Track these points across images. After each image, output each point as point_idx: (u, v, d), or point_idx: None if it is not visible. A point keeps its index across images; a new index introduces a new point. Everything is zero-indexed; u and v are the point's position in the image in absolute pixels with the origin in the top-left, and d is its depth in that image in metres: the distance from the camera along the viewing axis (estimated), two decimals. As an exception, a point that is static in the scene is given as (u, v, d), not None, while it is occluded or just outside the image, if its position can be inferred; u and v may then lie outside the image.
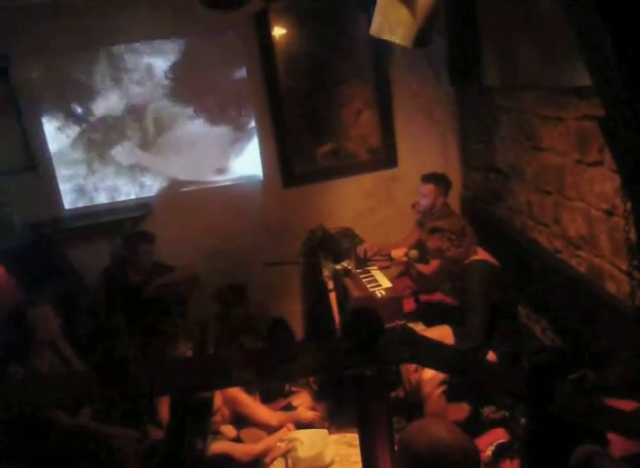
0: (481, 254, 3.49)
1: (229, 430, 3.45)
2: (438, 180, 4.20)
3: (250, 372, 1.10)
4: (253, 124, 4.65)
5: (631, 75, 1.32)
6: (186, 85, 4.53)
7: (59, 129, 4.48)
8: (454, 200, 4.74)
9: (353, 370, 1.07)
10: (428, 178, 4.22)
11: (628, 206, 1.58)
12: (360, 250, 3.99)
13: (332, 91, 4.69)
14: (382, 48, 4.54)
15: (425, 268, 3.90)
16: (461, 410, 3.37)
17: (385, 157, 4.82)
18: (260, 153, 4.67)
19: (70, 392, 1.11)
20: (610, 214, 2.97)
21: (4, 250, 3.92)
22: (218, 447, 3.07)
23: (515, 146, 3.92)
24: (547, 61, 3.15)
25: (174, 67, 4.50)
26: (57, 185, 4.48)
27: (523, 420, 2.50)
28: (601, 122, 1.42)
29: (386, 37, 2.26)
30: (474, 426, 3.26)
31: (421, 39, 2.20)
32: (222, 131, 4.69)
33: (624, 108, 1.30)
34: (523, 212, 3.93)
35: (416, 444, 1.55)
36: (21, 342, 3.08)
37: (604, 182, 2.98)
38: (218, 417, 3.24)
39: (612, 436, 2.02)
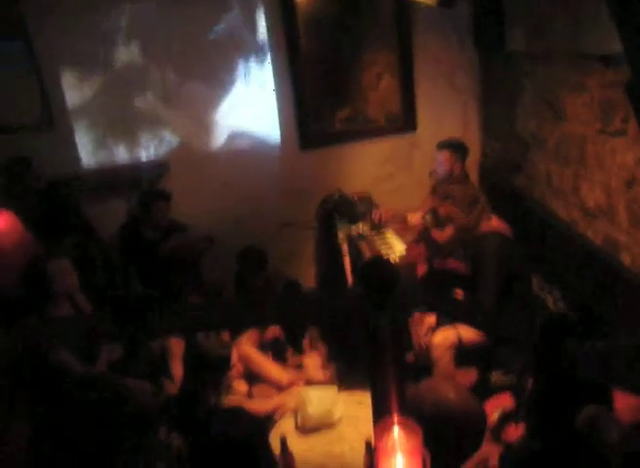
0: (495, 223, 3.47)
1: (241, 385, 3.53)
2: (454, 147, 4.15)
3: (270, 316, 1.13)
4: (272, 85, 4.61)
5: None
6: (205, 44, 4.50)
7: (76, 84, 4.48)
8: (472, 168, 4.71)
9: (367, 317, 1.09)
10: (444, 145, 4.17)
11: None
12: (375, 214, 3.99)
13: (353, 54, 4.62)
14: (406, 12, 4.48)
15: (439, 234, 3.89)
16: (469, 375, 3.40)
17: (405, 122, 4.77)
18: (278, 115, 4.63)
19: (86, 330, 1.14)
20: (630, 185, 2.95)
21: (22, 205, 3.96)
22: (231, 402, 3.14)
23: (537, 115, 3.87)
24: (575, 27, 3.09)
25: (193, 26, 4.45)
26: (75, 142, 4.49)
27: (530, 383, 2.52)
28: (628, 86, 1.40)
29: (412, -4, 2.22)
30: (482, 391, 3.30)
31: (447, -1, 2.17)
32: (241, 91, 4.66)
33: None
34: (542, 181, 3.90)
35: (422, 402, 1.58)
36: (40, 295, 3.14)
37: (625, 153, 2.95)
38: (232, 373, 3.31)
39: (619, 403, 2.04)
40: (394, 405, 1.13)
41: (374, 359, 1.15)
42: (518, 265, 3.44)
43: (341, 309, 1.11)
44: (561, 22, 3.22)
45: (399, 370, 1.14)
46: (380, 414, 1.14)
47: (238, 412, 2.62)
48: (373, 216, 3.94)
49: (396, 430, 1.12)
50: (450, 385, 1.83)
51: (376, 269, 1.09)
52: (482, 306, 1.29)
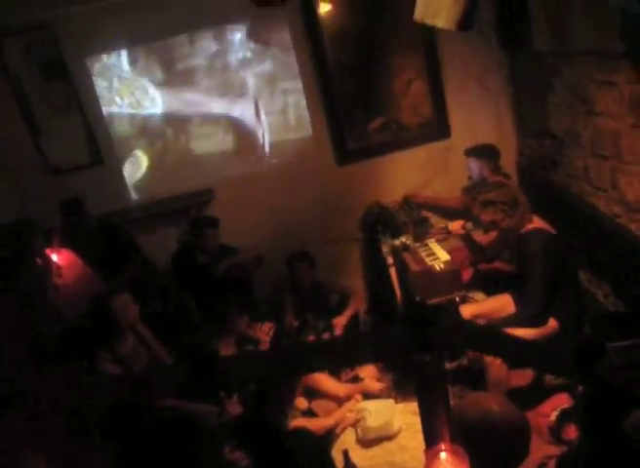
0: (537, 222, 3.50)
1: (301, 402, 3.65)
2: (479, 153, 4.26)
3: (323, 362, 1.23)
4: (304, 102, 4.71)
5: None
6: (237, 68, 4.65)
7: (120, 120, 4.70)
8: (510, 167, 4.74)
9: (413, 356, 1.19)
10: (469, 153, 4.30)
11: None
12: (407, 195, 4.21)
13: (381, 62, 4.67)
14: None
15: (483, 238, 3.95)
16: (524, 377, 3.44)
17: (438, 128, 4.81)
18: (313, 132, 4.75)
19: (165, 383, 1.27)
20: (667, 177, 2.95)
21: (80, 243, 4.17)
22: (297, 423, 3.26)
23: (569, 111, 3.87)
24: (599, 26, 3.11)
25: (224, 51, 4.61)
26: (123, 177, 4.71)
27: (581, 387, 2.56)
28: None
29: (430, 22, 2.30)
30: (538, 392, 3.34)
31: (465, 22, 2.24)
32: (275, 111, 4.79)
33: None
34: (580, 177, 3.90)
35: (467, 416, 1.66)
36: (106, 329, 3.32)
37: (660, 146, 2.95)
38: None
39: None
40: (442, 433, 1.22)
41: (420, 392, 1.24)
42: (564, 261, 3.46)
43: (389, 348, 1.20)
44: (585, 21, 3.24)
45: (445, 402, 1.23)
46: (430, 442, 1.23)
47: (303, 434, 2.74)
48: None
49: (444, 456, 1.22)
50: (493, 398, 1.90)
51: (418, 310, 1.18)
52: (515, 338, 1.35)
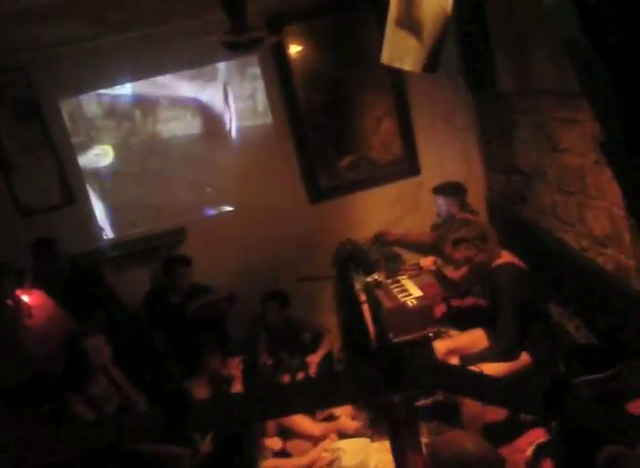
0: (506, 257, 3.55)
1: (275, 442, 3.60)
2: (446, 191, 4.36)
3: (297, 405, 1.23)
4: (275, 143, 4.77)
5: (630, 101, 1.41)
6: (207, 109, 4.70)
7: (92, 161, 4.70)
8: (479, 202, 4.83)
9: (384, 396, 1.19)
10: (436, 191, 4.41)
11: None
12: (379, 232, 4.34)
13: (351, 101, 4.77)
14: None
15: (455, 274, 3.99)
16: (500, 412, 3.43)
17: (408, 165, 4.90)
18: (285, 171, 4.79)
19: (137, 429, 1.25)
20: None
21: (51, 283, 4.12)
22: (269, 464, 3.22)
23: (535, 148, 3.98)
24: (559, 67, 3.22)
25: (198, 95, 4.67)
26: (94, 217, 4.69)
27: (554, 423, 2.57)
28: (602, 145, 1.50)
29: (396, 65, 2.37)
30: (514, 427, 3.34)
31: (431, 65, 2.31)
32: (247, 152, 4.83)
33: (623, 134, 1.39)
34: (548, 212, 3.99)
35: (442, 455, 1.66)
36: (79, 371, 3.27)
37: (623, 182, 3.03)
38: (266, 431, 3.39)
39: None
40: (415, 465, 1.22)
41: (392, 431, 1.25)
42: (534, 294, 3.51)
43: (361, 389, 1.21)
44: (545, 61, 3.35)
45: (416, 441, 1.24)
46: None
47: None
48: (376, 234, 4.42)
49: (420, 497, 1.22)
50: (467, 436, 1.90)
51: (386, 352, 1.19)
52: (485, 378, 1.36)
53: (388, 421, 1.25)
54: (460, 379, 1.30)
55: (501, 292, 3.41)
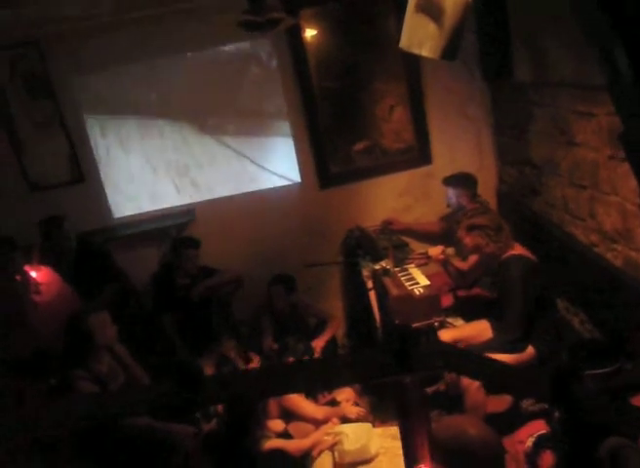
0: (518, 249, 3.55)
1: (277, 424, 3.62)
2: (456, 182, 4.35)
3: (304, 382, 1.24)
4: (288, 127, 4.76)
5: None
6: (222, 92, 4.68)
7: (103, 138, 4.69)
8: (490, 194, 4.81)
9: (393, 378, 1.20)
10: (447, 182, 4.39)
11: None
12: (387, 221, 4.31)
13: (364, 88, 4.74)
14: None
15: (463, 264, 3.99)
16: (501, 403, 3.45)
17: (420, 154, 4.87)
18: (297, 156, 4.78)
19: (148, 401, 1.26)
20: (643, 208, 3.01)
21: (59, 261, 4.14)
22: (270, 443, 3.23)
23: (549, 141, 3.95)
24: (577, 59, 3.20)
25: (211, 76, 4.65)
26: (105, 195, 4.69)
27: (557, 414, 2.58)
28: (620, 136, 1.49)
29: (415, 51, 2.35)
30: (514, 418, 3.35)
31: (449, 52, 2.29)
32: (259, 135, 4.83)
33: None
34: (559, 206, 3.97)
35: (443, 438, 1.66)
36: (83, 348, 3.28)
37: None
38: (268, 412, 3.41)
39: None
40: (423, 454, 1.23)
41: (400, 413, 1.25)
42: (543, 288, 3.50)
43: (370, 370, 1.21)
44: (565, 54, 3.33)
45: (425, 423, 1.24)
46: (411, 463, 1.24)
47: (279, 455, 2.72)
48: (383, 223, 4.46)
49: (426, 478, 1.22)
50: (467, 420, 1.91)
51: (399, 334, 1.19)
52: (494, 363, 1.36)
53: (397, 403, 1.26)
54: (469, 362, 1.31)
55: (511, 284, 3.40)
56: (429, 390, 3.46)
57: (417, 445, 1.22)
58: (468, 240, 3.53)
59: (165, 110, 4.69)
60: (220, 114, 4.75)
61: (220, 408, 3.47)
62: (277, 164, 4.85)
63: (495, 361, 1.41)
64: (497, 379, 1.31)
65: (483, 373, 1.32)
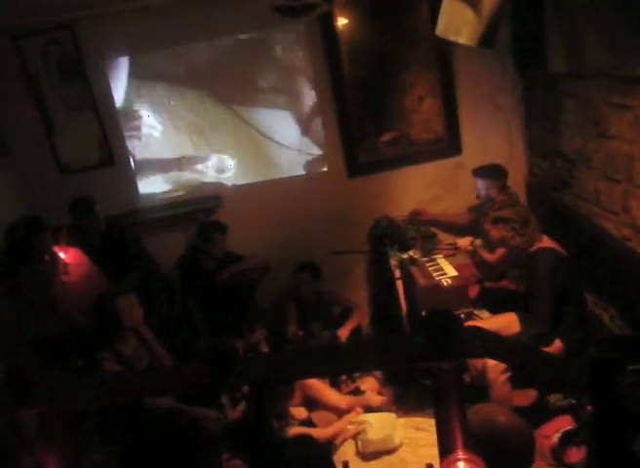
0: (546, 242, 3.50)
1: (300, 412, 3.63)
2: (486, 173, 4.30)
3: (348, 364, 1.23)
4: (318, 114, 4.74)
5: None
6: (252, 77, 4.68)
7: (133, 123, 4.72)
8: (519, 186, 4.75)
9: (431, 362, 1.19)
10: (476, 173, 4.34)
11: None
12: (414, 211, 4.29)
13: (394, 78, 4.69)
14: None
15: (490, 256, 3.95)
16: (527, 397, 3.42)
17: (449, 144, 4.83)
18: (325, 144, 4.77)
19: (182, 382, 1.26)
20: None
21: (87, 243, 4.18)
22: (294, 431, 3.25)
23: (582, 133, 3.89)
24: (614, 50, 3.13)
25: (240, 62, 4.64)
26: (133, 179, 4.73)
27: (589, 407, 2.54)
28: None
29: (452, 38, 2.32)
30: (540, 413, 3.32)
31: (487, 39, 2.26)
32: (288, 121, 4.82)
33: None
34: (590, 199, 3.91)
35: (473, 426, 1.65)
36: (110, 329, 3.31)
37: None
38: (292, 400, 3.42)
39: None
40: (458, 441, 1.21)
41: (437, 398, 1.24)
42: (572, 282, 3.46)
43: (409, 355, 1.20)
44: (600, 45, 3.26)
45: (462, 410, 1.23)
46: (446, 450, 1.23)
47: (308, 439, 2.73)
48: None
49: (461, 465, 1.21)
50: (499, 408, 1.89)
51: (438, 318, 1.18)
52: (534, 350, 1.34)
53: (434, 389, 1.25)
54: (508, 349, 1.29)
55: (539, 277, 3.37)
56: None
57: (451, 432, 1.21)
58: (494, 232, 3.49)
59: (196, 96, 4.69)
60: (248, 98, 4.73)
61: (245, 395, 3.48)
62: (305, 150, 4.83)
63: (534, 349, 1.39)
64: (536, 368, 1.29)
65: (524, 362, 1.30)
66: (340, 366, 1.29)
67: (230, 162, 4.84)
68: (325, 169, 4.83)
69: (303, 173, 4.89)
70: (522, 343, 1.77)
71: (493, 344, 1.23)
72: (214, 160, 4.85)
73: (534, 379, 2.85)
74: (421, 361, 1.21)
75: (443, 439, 1.23)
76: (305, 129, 4.84)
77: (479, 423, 1.69)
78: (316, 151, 4.87)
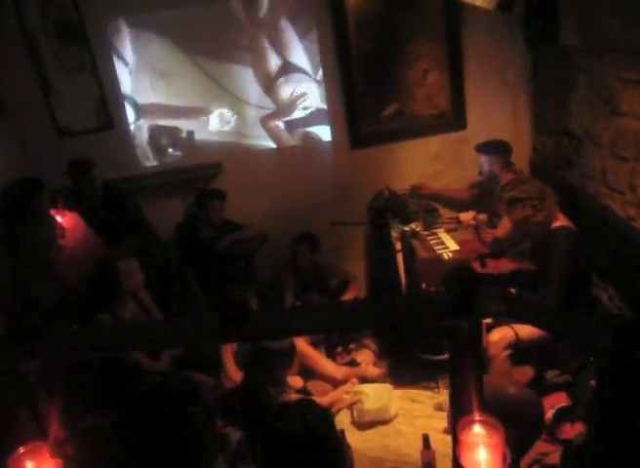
0: (563, 220, 3.44)
1: (296, 381, 3.62)
2: (489, 149, 4.24)
3: (369, 320, 1.20)
4: (322, 84, 4.66)
5: None
6: (256, 47, 4.58)
7: (133, 86, 4.62)
8: (523, 164, 4.70)
9: (452, 321, 1.16)
10: (479, 149, 4.28)
11: None
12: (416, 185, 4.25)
13: (400, 51, 4.59)
14: (455, 6, 4.42)
15: (497, 231, 3.89)
16: (525, 374, 3.42)
17: (454, 119, 4.75)
18: (329, 114, 4.69)
19: (190, 334, 1.23)
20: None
21: (85, 207, 4.12)
22: (289, 398, 3.23)
23: (591, 110, 3.83)
24: (629, 24, 3.07)
25: (242, 28, 4.54)
26: (132, 144, 4.65)
27: (593, 382, 2.53)
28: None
29: (469, 0, 2.25)
30: (537, 389, 3.30)
31: (505, 2, 2.19)
32: (291, 91, 4.73)
33: None
34: (596, 178, 3.86)
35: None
36: (110, 292, 3.28)
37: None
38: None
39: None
40: (475, 402, 1.19)
41: (455, 359, 1.21)
42: (584, 261, 3.41)
43: (431, 312, 1.17)
44: (615, 18, 3.19)
45: (478, 370, 1.20)
46: (461, 412, 1.20)
47: (310, 404, 2.70)
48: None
49: (478, 426, 1.18)
50: (507, 379, 1.87)
51: (462, 275, 1.15)
52: (564, 314, 1.32)
53: (451, 349, 1.22)
54: (528, 309, 1.26)
55: (555, 256, 3.29)
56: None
57: (468, 393, 1.18)
58: (513, 215, 3.39)
59: (197, 61, 4.59)
60: (252, 65, 4.63)
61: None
62: (308, 120, 4.76)
63: (555, 309, 1.36)
64: (557, 327, 1.26)
65: (546, 321, 1.27)
66: (355, 321, 1.26)
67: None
68: (329, 139, 4.76)
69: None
70: (544, 305, 1.74)
71: (515, 304, 1.19)
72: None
73: (558, 339, 2.81)
74: (442, 319, 1.18)
75: (458, 401, 1.20)
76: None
77: (489, 394, 1.66)
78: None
